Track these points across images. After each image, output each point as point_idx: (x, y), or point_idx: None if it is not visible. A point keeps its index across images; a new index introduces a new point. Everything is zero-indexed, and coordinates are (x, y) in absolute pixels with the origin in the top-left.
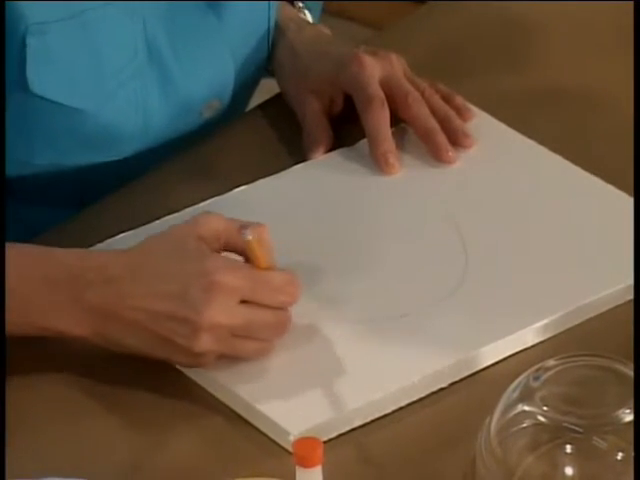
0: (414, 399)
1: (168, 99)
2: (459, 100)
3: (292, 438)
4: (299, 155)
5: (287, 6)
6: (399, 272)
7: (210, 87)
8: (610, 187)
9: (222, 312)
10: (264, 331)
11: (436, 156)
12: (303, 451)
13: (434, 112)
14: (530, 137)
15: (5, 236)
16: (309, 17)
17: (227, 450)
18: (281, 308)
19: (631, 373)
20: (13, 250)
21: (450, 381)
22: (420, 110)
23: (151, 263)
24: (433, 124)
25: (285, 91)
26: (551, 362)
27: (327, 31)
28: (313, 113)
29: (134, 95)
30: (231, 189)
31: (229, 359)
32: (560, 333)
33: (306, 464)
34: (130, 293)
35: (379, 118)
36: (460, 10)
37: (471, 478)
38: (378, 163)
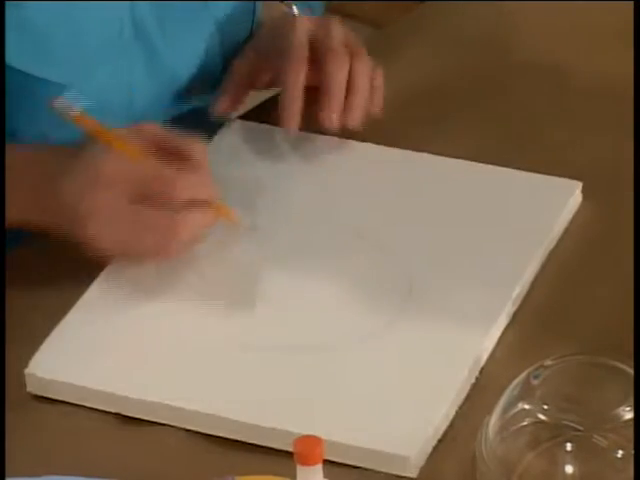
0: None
1: (154, 77)
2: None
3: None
4: None
5: (275, 4)
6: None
7: (197, 65)
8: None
9: (103, 199)
10: (153, 222)
11: (320, 114)
12: (304, 449)
13: (351, 78)
14: (528, 130)
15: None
16: (295, 10)
17: (226, 447)
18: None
19: (631, 371)
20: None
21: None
22: (334, 68)
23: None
24: (338, 88)
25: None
26: (551, 360)
27: None
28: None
29: (119, 72)
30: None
31: None
32: (560, 330)
33: (307, 462)
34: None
35: (295, 72)
36: (460, 9)
37: (471, 476)
38: (281, 118)
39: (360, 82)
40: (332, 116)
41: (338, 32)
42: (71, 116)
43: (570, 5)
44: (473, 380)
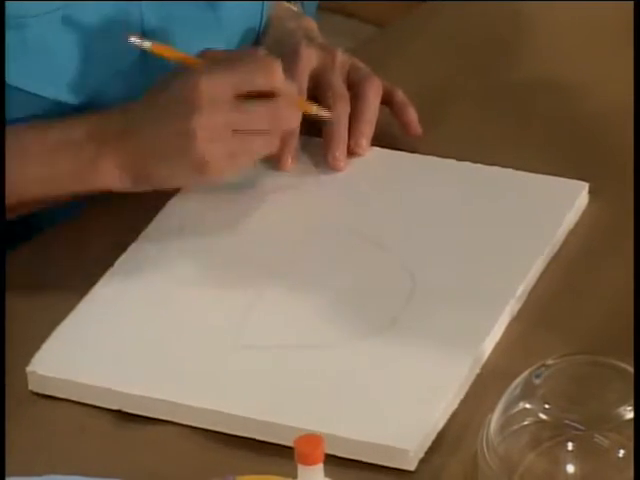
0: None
1: None
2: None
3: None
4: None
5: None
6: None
7: None
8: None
9: (213, 110)
10: (261, 120)
11: (326, 155)
12: (304, 448)
13: (356, 104)
14: (531, 130)
15: (5, 236)
16: (295, 8)
17: (227, 447)
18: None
19: (632, 370)
20: (32, 127)
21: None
22: (335, 108)
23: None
24: (341, 128)
25: None
26: (552, 360)
27: (313, 24)
28: None
29: (126, 91)
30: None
31: None
32: (563, 329)
33: (308, 461)
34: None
35: None
36: (461, 10)
37: (472, 476)
38: (276, 155)
39: (367, 110)
40: (337, 156)
41: (342, 63)
42: (147, 48)
43: (570, 4)
44: (474, 377)
